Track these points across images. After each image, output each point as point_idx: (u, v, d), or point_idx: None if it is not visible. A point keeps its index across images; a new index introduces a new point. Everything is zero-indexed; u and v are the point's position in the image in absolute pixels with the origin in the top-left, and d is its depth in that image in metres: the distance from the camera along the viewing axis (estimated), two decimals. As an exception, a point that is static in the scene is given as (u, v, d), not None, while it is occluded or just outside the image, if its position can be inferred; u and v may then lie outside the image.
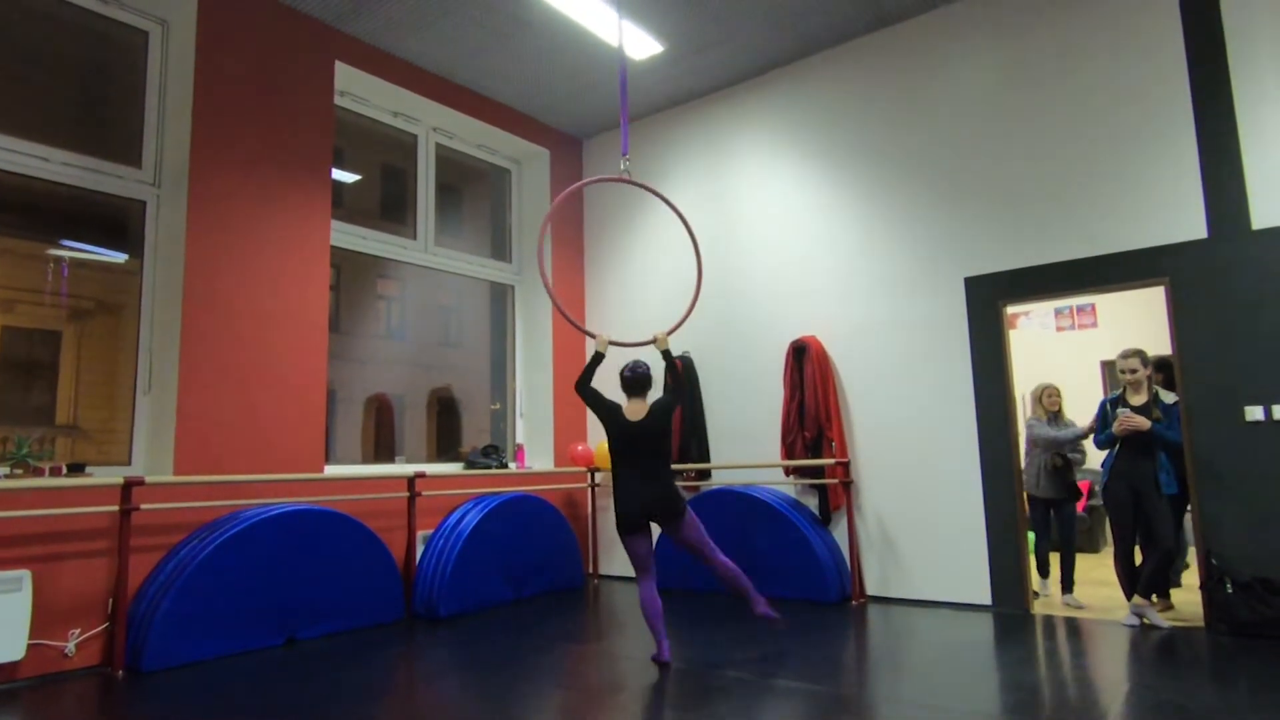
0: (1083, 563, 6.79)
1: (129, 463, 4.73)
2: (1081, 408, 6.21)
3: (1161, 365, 5.34)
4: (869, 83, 6.00)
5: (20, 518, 3.90)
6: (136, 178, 4.94)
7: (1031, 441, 5.65)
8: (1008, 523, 5.12)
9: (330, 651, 4.43)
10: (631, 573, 6.77)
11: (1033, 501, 5.59)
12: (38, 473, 4.15)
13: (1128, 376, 4.85)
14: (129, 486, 4.21)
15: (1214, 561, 4.42)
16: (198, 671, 4.03)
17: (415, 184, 6.70)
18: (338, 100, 5.97)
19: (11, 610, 3.78)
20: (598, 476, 7.17)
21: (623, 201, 7.40)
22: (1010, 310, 5.71)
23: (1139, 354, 4.86)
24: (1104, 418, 4.96)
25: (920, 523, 5.48)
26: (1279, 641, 4.10)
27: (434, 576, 5.42)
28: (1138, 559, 4.91)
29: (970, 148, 5.50)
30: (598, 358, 4.24)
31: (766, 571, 5.70)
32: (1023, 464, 5.46)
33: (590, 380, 4.23)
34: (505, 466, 6.75)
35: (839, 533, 5.83)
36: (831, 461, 5.71)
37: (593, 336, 4.38)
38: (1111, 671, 3.76)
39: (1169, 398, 4.82)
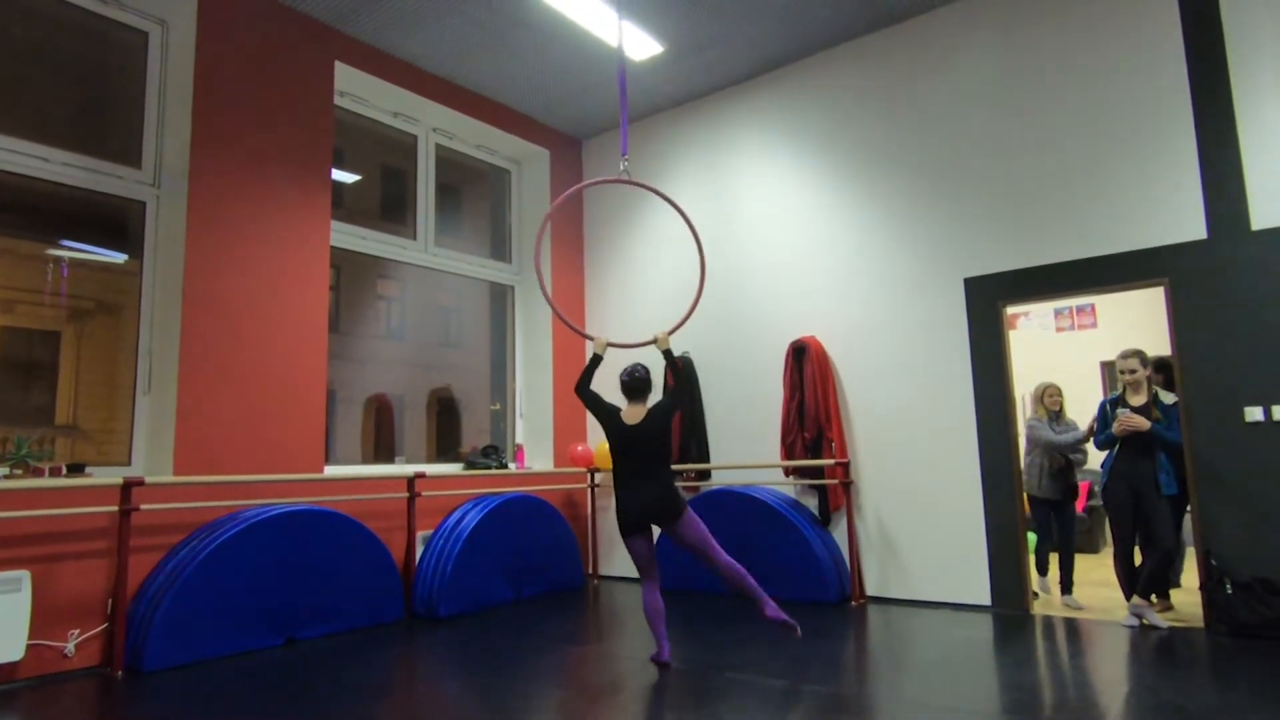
0: (1082, 563, 6.80)
1: (129, 463, 4.73)
2: (1081, 408, 6.21)
3: (1161, 366, 5.34)
4: (869, 82, 6.00)
5: (20, 518, 3.89)
6: (136, 178, 4.94)
7: (1031, 442, 5.65)
8: (1007, 523, 5.12)
9: (330, 651, 4.43)
10: (631, 573, 6.78)
11: (1034, 502, 5.59)
12: (37, 473, 4.15)
13: (1127, 377, 4.85)
14: (129, 487, 4.21)
15: (1214, 562, 4.42)
16: (197, 672, 4.03)
17: (415, 184, 6.70)
18: (337, 100, 5.97)
19: (11, 610, 3.78)
20: (597, 477, 7.17)
21: (622, 202, 7.40)
22: (1010, 311, 5.71)
23: (1138, 354, 4.87)
24: (1104, 418, 4.96)
25: (920, 523, 5.48)
26: (1278, 642, 4.11)
27: (434, 577, 5.43)
28: (1137, 559, 4.91)
29: (970, 148, 5.50)
30: (596, 360, 4.24)
31: (766, 572, 5.67)
32: (1022, 464, 5.47)
33: (589, 383, 4.23)
34: (505, 467, 6.75)
35: (839, 533, 5.83)
36: (831, 462, 5.71)
37: (591, 339, 4.38)
38: (1111, 672, 3.76)
39: (1169, 398, 4.82)
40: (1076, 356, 8.74)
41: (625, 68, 5.25)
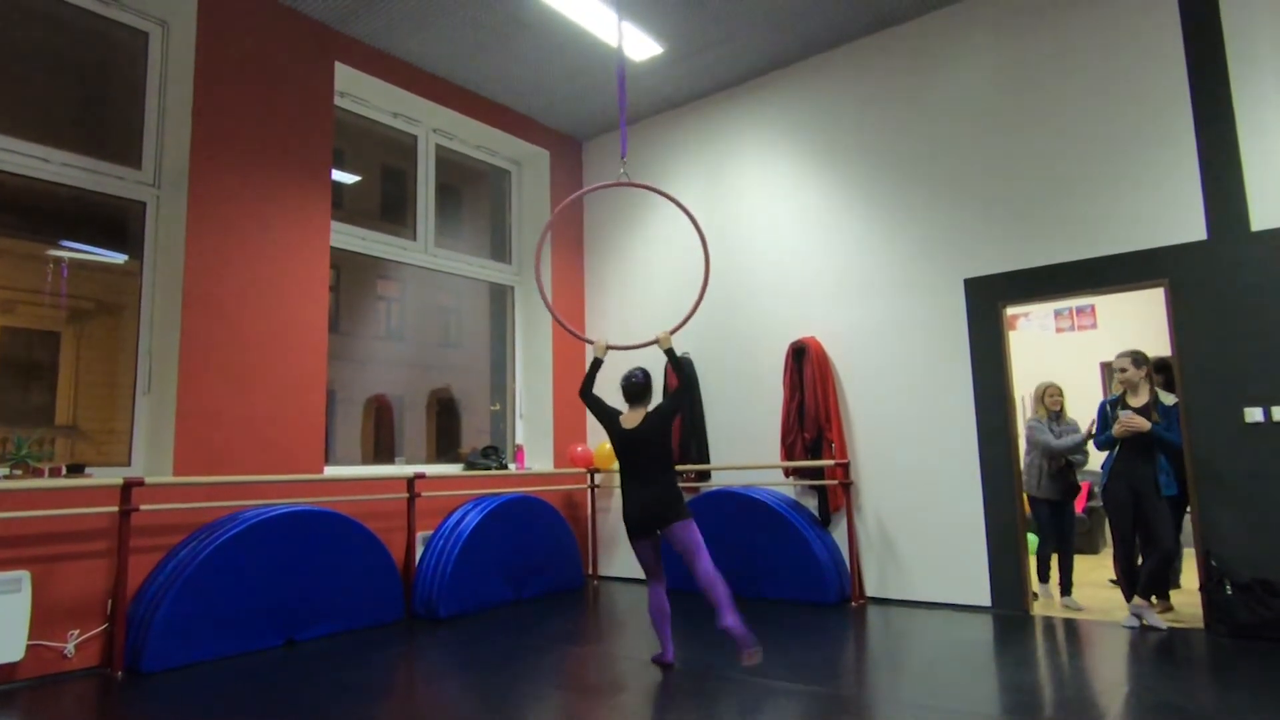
0: (1082, 564, 6.80)
1: (129, 463, 4.73)
2: (1081, 409, 6.22)
3: (1161, 367, 5.35)
4: (869, 84, 6.00)
5: (20, 518, 3.89)
6: (136, 178, 4.94)
7: (1031, 443, 5.65)
8: (1007, 524, 5.13)
9: (330, 652, 4.43)
10: (631, 574, 6.79)
11: (1034, 502, 5.59)
12: (37, 473, 4.14)
13: (1119, 376, 4.88)
14: (128, 487, 4.21)
15: (1213, 563, 4.43)
16: (197, 672, 4.03)
17: (415, 185, 6.70)
18: (338, 101, 5.98)
19: (11, 611, 3.78)
20: (597, 478, 7.17)
21: (622, 203, 7.40)
22: (1010, 311, 5.71)
23: (1130, 355, 4.88)
24: (1104, 419, 4.96)
25: (920, 524, 5.48)
26: (1278, 643, 4.11)
27: (434, 577, 5.42)
28: (1137, 560, 4.91)
29: (970, 149, 5.50)
30: (597, 363, 4.25)
31: (766, 572, 5.71)
32: (1022, 465, 5.47)
33: (591, 386, 4.25)
34: (505, 467, 6.75)
35: (838, 534, 5.83)
36: (831, 463, 5.71)
37: (591, 343, 4.38)
38: (1111, 673, 3.76)
39: (1169, 399, 4.83)
40: (1076, 357, 8.75)
41: (625, 69, 5.25)
